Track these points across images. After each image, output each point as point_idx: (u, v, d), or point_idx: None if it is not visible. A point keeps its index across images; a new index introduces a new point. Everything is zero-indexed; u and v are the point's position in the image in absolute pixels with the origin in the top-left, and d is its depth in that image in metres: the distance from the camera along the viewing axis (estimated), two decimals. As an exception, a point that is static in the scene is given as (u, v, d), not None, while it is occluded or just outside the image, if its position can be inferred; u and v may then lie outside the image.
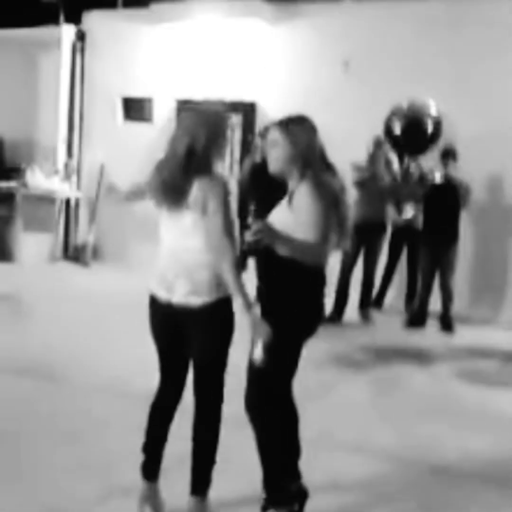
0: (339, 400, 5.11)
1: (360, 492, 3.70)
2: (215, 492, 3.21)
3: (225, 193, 2.98)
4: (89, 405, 4.69)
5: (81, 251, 10.02)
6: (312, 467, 3.68)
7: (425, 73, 8.05)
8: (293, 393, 3.27)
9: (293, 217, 3.05)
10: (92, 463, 3.80)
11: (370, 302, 7.61)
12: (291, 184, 3.16)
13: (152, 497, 3.27)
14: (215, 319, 3.06)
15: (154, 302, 3.19)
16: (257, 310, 3.02)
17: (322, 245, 3.03)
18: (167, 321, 3.17)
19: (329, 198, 3.07)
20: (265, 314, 3.04)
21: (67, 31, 10.09)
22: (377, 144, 7.35)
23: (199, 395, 3.14)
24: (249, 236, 2.97)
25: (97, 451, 3.95)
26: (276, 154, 3.17)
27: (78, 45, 10.20)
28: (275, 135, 3.18)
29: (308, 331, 3.18)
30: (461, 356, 6.49)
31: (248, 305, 2.94)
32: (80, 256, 9.99)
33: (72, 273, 9.51)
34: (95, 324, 6.68)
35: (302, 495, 3.26)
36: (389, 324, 7.42)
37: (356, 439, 4.38)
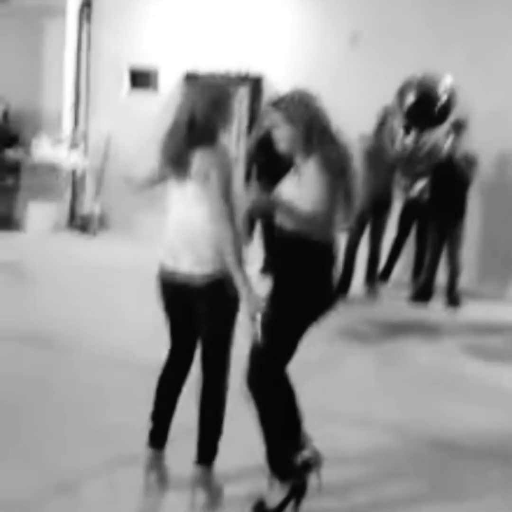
0: (344, 374, 5.11)
1: (364, 465, 3.70)
2: (219, 464, 3.21)
3: (226, 164, 3.00)
4: (93, 375, 4.69)
5: (87, 221, 10.00)
6: (316, 440, 3.68)
7: (436, 46, 7.95)
8: (287, 370, 3.21)
9: (301, 191, 3.03)
10: (96, 432, 3.81)
11: (376, 276, 7.58)
12: (298, 160, 3.12)
13: (157, 465, 3.28)
14: (219, 292, 3.04)
15: (162, 272, 3.19)
16: (251, 285, 2.97)
17: (326, 217, 3.00)
18: (175, 292, 3.16)
19: (336, 172, 3.03)
20: (271, 290, 3.03)
21: (73, -1, 9.99)
22: (385, 115, 7.27)
23: (205, 368, 3.14)
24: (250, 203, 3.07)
25: (101, 420, 3.95)
26: (279, 135, 3.14)
27: (84, 12, 10.08)
28: (274, 116, 3.14)
29: (312, 313, 3.12)
30: (467, 331, 6.48)
31: (243, 280, 2.93)
32: (86, 226, 9.96)
33: (78, 243, 9.49)
34: (100, 294, 6.68)
35: (310, 465, 3.24)
36: (395, 299, 7.40)
37: (361, 413, 4.38)
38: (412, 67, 7.46)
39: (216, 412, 3.17)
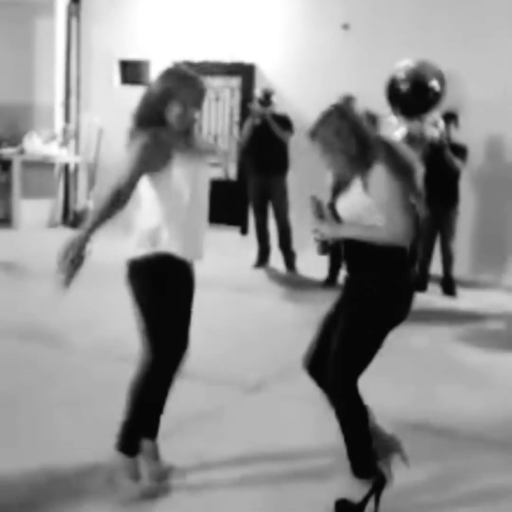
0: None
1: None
2: (215, 453, 3.23)
3: (136, 153, 3.02)
4: (91, 369, 4.71)
5: (81, 216, 9.97)
6: (316, 431, 3.70)
7: (425, 34, 7.94)
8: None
9: (369, 203, 2.98)
10: (93, 425, 3.81)
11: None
12: (351, 175, 3.06)
13: (152, 452, 3.30)
14: (133, 276, 3.20)
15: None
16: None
17: (406, 222, 2.97)
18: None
19: (405, 173, 3.01)
20: (350, 301, 3.07)
21: (62, -7, 9.95)
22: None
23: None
24: (315, 238, 3.10)
25: (98, 413, 3.95)
26: (327, 161, 3.12)
27: (73, 7, 10.05)
28: (314, 146, 3.10)
29: (394, 319, 3.09)
30: (462, 319, 6.49)
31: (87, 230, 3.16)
32: (80, 222, 9.93)
33: (72, 238, 9.46)
34: (95, 288, 6.65)
35: (376, 488, 3.22)
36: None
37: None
38: (402, 55, 7.47)
39: (142, 394, 3.20)
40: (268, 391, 4.53)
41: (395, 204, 2.94)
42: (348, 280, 3.18)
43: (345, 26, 8.44)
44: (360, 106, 7.16)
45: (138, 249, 3.15)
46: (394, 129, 7.41)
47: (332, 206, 3.16)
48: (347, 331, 3.06)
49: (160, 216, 3.11)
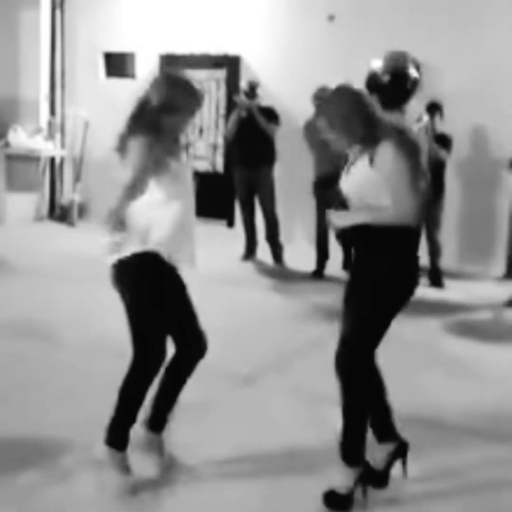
0: (328, 355, 5.11)
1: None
2: (205, 446, 3.23)
3: (143, 151, 3.01)
4: (83, 365, 4.70)
5: (67, 210, 9.93)
6: (307, 423, 3.70)
7: (412, 25, 7.95)
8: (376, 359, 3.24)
9: (375, 182, 2.99)
10: (86, 421, 3.79)
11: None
12: (358, 150, 3.08)
13: (157, 445, 3.35)
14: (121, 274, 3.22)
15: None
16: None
17: (413, 201, 2.98)
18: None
19: (412, 153, 3.01)
20: (356, 276, 3.11)
21: (46, -14, 9.87)
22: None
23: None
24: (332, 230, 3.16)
25: (91, 410, 3.93)
26: (331, 137, 3.18)
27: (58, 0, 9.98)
28: (320, 122, 3.18)
29: (400, 298, 3.13)
30: (449, 310, 6.50)
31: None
32: (66, 216, 9.90)
33: (58, 232, 9.43)
34: (83, 283, 6.64)
35: (398, 453, 3.29)
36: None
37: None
38: (385, 45, 7.49)
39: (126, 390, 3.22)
40: (259, 384, 4.53)
41: (402, 182, 2.96)
42: (355, 263, 3.19)
43: (331, 17, 8.43)
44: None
45: (127, 248, 3.12)
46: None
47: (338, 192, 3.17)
48: (356, 311, 3.10)
49: (152, 217, 3.10)
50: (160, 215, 3.11)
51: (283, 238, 7.96)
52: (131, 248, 3.12)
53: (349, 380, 3.13)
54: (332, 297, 6.54)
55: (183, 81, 3.22)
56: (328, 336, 5.48)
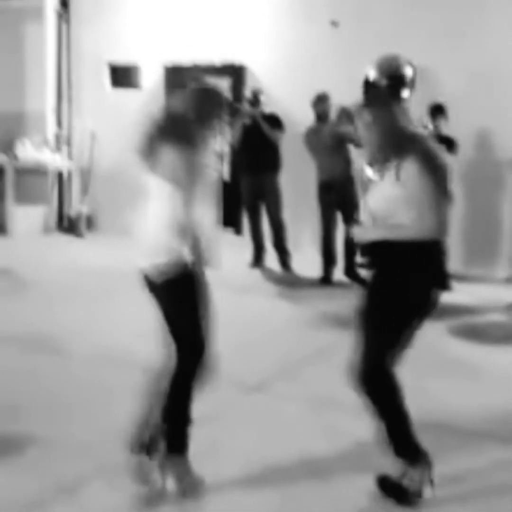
0: (333, 360, 5.12)
1: (366, 453, 3.69)
2: (214, 454, 3.24)
3: (184, 160, 3.07)
4: (91, 376, 4.72)
5: (75, 222, 9.99)
6: (317, 430, 3.72)
7: (414, 31, 7.98)
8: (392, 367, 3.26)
9: (399, 194, 3.03)
10: (96, 431, 3.83)
11: (356, 264, 7.55)
12: (389, 161, 3.10)
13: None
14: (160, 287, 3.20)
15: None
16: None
17: (430, 216, 3.02)
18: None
19: (438, 168, 3.06)
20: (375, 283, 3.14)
21: (50, -1, 9.96)
22: (340, 116, 7.30)
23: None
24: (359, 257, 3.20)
25: (100, 420, 3.97)
26: (364, 140, 3.20)
27: (63, 12, 10.06)
28: (358, 122, 3.20)
29: (421, 309, 3.18)
30: (455, 313, 6.50)
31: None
32: (75, 227, 9.96)
33: (67, 244, 9.49)
34: (92, 295, 6.68)
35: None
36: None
37: (357, 401, 4.39)
38: (388, 51, 7.54)
39: (173, 402, 3.22)
40: (268, 391, 4.55)
41: (426, 199, 3.00)
42: (377, 277, 3.21)
43: (334, 24, 8.47)
44: (350, 101, 7.24)
45: (159, 258, 3.14)
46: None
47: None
48: (372, 319, 3.14)
49: (180, 226, 3.13)
50: (187, 223, 3.12)
51: (290, 244, 7.99)
52: (163, 258, 3.13)
53: (377, 395, 3.18)
54: (341, 303, 6.60)
55: (213, 92, 3.30)
56: (337, 343, 5.53)
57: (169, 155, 3.10)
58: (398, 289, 3.10)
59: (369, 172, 3.23)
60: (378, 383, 3.19)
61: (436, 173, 3.03)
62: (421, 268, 3.11)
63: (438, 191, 3.03)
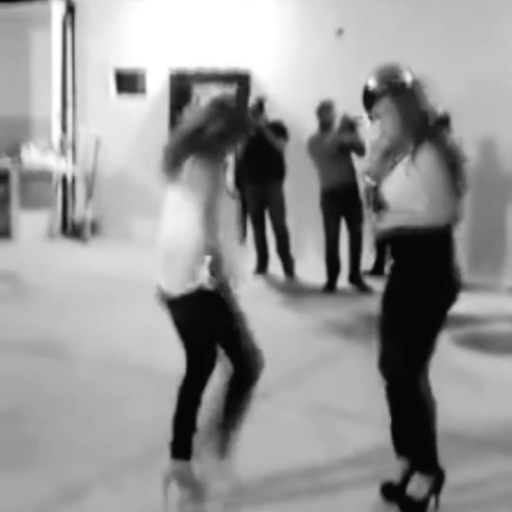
0: (340, 370, 5.13)
1: (369, 461, 3.71)
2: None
3: (209, 173, 3.07)
4: (97, 382, 4.72)
5: (80, 227, 10.00)
6: (321, 439, 3.71)
7: (419, 39, 8.00)
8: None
9: (415, 184, 3.04)
10: (101, 437, 3.83)
11: (360, 270, 7.56)
12: (407, 145, 3.12)
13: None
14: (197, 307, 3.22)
15: (157, 289, 3.29)
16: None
17: (443, 203, 3.03)
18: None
19: (455, 160, 3.11)
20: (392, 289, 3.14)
21: (57, 5, 9.98)
22: (343, 125, 7.30)
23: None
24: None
25: (105, 427, 3.97)
26: (384, 124, 3.22)
27: (68, 18, 10.10)
28: (377, 106, 3.25)
29: (442, 306, 3.18)
30: (461, 322, 6.48)
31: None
32: (79, 233, 9.96)
33: (71, 249, 9.49)
34: (97, 300, 6.68)
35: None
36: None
37: (361, 409, 4.39)
38: (394, 59, 7.49)
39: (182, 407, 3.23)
40: (272, 399, 4.53)
41: (440, 185, 3.01)
42: (392, 273, 3.22)
43: (339, 32, 8.49)
44: (355, 109, 7.25)
45: (194, 281, 3.11)
46: (369, 133, 7.44)
47: (375, 189, 3.19)
48: (397, 323, 3.11)
49: (211, 245, 3.09)
50: (216, 243, 3.10)
51: (294, 252, 7.98)
52: (197, 281, 3.11)
53: (405, 392, 3.16)
54: (345, 311, 6.61)
55: (236, 109, 3.30)
56: (341, 351, 5.54)
57: (194, 168, 3.08)
58: (422, 281, 3.08)
59: (368, 180, 3.24)
60: (411, 395, 3.17)
61: (452, 159, 3.06)
62: (440, 260, 3.12)
63: (453, 177, 3.04)
